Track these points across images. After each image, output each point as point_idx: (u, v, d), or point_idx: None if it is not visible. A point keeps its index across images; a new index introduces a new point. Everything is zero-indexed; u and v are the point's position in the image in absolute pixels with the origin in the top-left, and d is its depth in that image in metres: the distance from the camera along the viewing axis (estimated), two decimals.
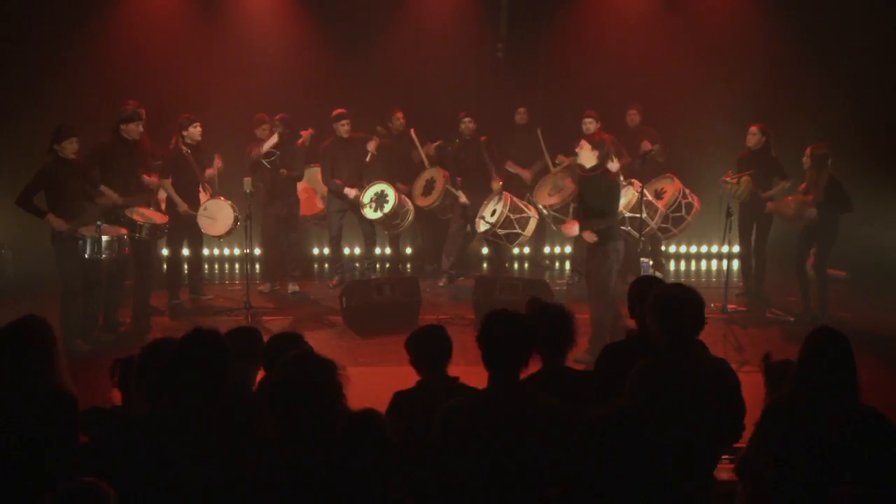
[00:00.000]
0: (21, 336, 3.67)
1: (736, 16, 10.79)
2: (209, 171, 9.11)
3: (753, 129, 8.75)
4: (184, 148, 8.54)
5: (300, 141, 9.38)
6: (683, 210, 9.06)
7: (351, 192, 9.37)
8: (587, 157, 7.16)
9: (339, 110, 9.40)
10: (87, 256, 7.32)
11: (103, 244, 7.31)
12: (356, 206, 9.41)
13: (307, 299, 9.40)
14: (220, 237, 8.89)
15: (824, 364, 3.47)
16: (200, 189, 8.82)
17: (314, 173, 9.67)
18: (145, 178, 8.46)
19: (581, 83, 10.56)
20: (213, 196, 8.79)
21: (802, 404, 3.47)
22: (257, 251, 10.31)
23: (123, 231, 7.59)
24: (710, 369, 3.75)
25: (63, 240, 7.31)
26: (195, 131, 8.56)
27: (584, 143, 7.29)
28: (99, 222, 7.31)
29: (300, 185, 9.52)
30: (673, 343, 3.68)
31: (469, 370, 4.56)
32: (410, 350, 4.09)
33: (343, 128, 9.36)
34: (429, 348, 4.05)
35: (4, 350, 3.65)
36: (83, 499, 2.54)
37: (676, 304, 3.70)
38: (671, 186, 9.15)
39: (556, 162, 9.93)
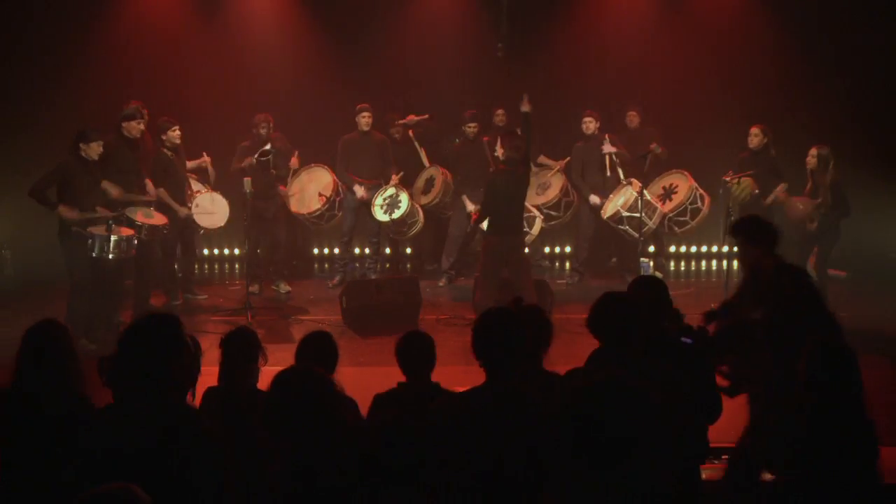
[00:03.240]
0: (47, 342, 3.67)
1: (737, 16, 10.78)
2: (197, 162, 9.12)
3: (755, 129, 8.74)
4: (167, 152, 8.56)
5: (292, 162, 9.39)
6: (699, 202, 9.10)
7: (359, 191, 9.38)
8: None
9: (363, 104, 9.48)
10: (94, 255, 7.34)
11: (112, 244, 7.33)
12: (368, 203, 9.43)
13: (307, 299, 9.40)
14: (222, 227, 8.95)
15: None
16: (188, 189, 8.88)
17: (314, 171, 9.64)
18: (148, 181, 8.47)
19: (581, 83, 10.57)
20: (198, 192, 8.88)
21: None
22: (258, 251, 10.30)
23: (132, 232, 7.61)
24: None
25: (72, 237, 7.33)
26: (174, 134, 8.59)
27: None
28: (110, 222, 7.33)
29: (297, 186, 9.53)
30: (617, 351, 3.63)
31: (469, 370, 4.55)
32: (396, 355, 4.13)
33: (363, 120, 9.40)
34: (409, 355, 4.08)
35: (33, 354, 3.64)
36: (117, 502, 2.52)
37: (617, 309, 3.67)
38: (684, 182, 9.18)
39: (539, 162, 9.95)
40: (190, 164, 9.08)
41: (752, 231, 4.97)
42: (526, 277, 7.78)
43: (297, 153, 9.47)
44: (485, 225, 8.97)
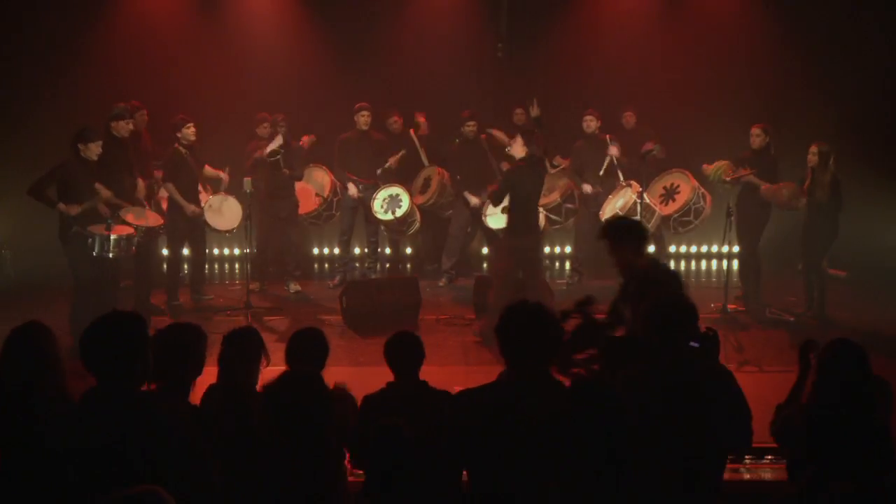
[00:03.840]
0: (27, 344, 3.66)
1: (736, 16, 10.79)
2: (216, 173, 9.10)
3: (756, 129, 8.73)
4: (181, 149, 8.58)
5: (302, 142, 9.42)
6: (702, 201, 9.12)
7: (352, 189, 9.39)
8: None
9: (362, 104, 9.49)
10: (95, 254, 7.34)
11: (112, 243, 7.33)
12: (366, 202, 9.43)
13: (307, 299, 9.41)
14: (229, 231, 8.96)
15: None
16: (200, 188, 8.86)
17: (312, 172, 9.67)
18: (140, 180, 8.47)
19: (581, 83, 10.57)
20: (215, 193, 8.89)
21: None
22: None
23: (132, 230, 7.61)
24: (706, 375, 3.71)
25: (72, 237, 7.32)
26: (189, 132, 8.59)
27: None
28: (109, 220, 7.33)
29: (298, 184, 9.53)
30: (664, 349, 3.67)
31: (469, 370, 4.57)
32: (385, 355, 4.18)
33: (363, 119, 9.41)
34: (397, 354, 4.13)
35: (11, 357, 3.63)
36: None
37: (671, 314, 3.72)
38: (686, 182, 9.19)
39: (554, 163, 9.95)
40: (209, 172, 9.07)
41: (621, 232, 5.06)
42: (540, 278, 7.80)
43: (306, 136, 9.47)
44: (492, 222, 9.00)
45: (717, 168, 8.74)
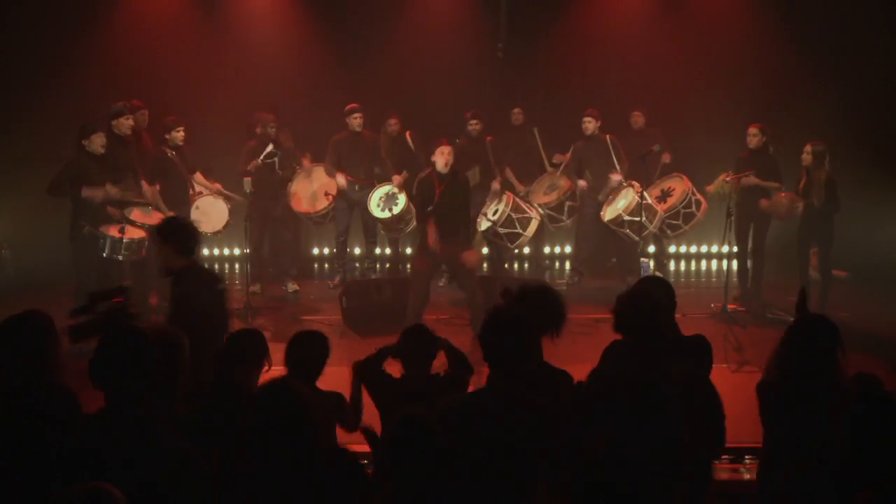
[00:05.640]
0: (21, 329, 3.64)
1: (736, 16, 10.79)
2: (208, 185, 9.08)
3: (753, 129, 8.72)
4: (168, 151, 8.56)
5: (305, 164, 9.43)
6: (693, 206, 9.08)
7: (340, 179, 9.32)
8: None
9: (353, 105, 9.43)
10: (105, 255, 7.34)
11: (123, 245, 7.33)
12: (362, 202, 9.42)
13: (307, 299, 9.40)
14: (214, 234, 8.93)
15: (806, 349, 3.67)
16: (190, 189, 8.85)
17: (316, 171, 9.66)
18: (143, 183, 8.47)
19: (581, 83, 10.57)
20: (206, 194, 8.88)
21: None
22: None
23: (143, 234, 7.60)
24: (669, 375, 3.54)
25: (84, 237, 7.32)
26: (177, 135, 8.57)
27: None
28: (123, 224, 7.33)
29: (299, 188, 9.52)
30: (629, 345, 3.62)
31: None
32: (399, 347, 4.18)
33: (355, 121, 9.37)
34: (412, 348, 4.11)
35: (4, 342, 3.62)
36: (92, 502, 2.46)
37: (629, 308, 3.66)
38: (680, 185, 9.17)
39: (553, 162, 9.94)
40: (200, 180, 9.04)
41: (168, 231, 5.06)
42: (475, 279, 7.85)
43: (308, 155, 9.48)
44: (483, 226, 9.03)
45: (719, 183, 8.68)
